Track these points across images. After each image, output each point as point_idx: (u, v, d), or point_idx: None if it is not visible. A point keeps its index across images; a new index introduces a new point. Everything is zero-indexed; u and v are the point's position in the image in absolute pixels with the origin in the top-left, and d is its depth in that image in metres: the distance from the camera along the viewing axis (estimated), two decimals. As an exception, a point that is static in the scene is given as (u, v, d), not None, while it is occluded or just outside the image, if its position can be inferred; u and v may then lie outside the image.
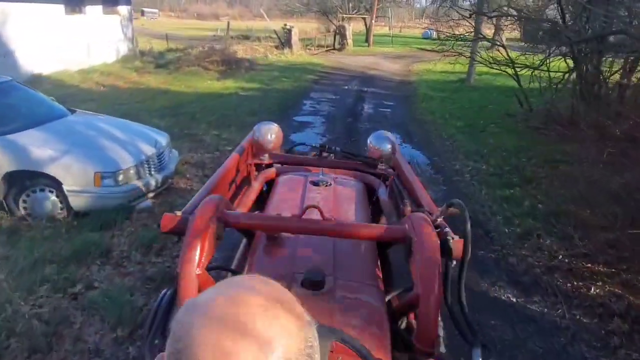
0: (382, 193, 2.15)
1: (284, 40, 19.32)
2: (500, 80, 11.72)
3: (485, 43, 11.83)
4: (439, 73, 15.30)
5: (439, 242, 1.30)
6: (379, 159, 2.29)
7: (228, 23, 33.85)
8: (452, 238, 1.35)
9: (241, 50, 18.83)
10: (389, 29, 43.57)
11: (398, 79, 14.68)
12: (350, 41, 22.76)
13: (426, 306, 1.20)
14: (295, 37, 19.04)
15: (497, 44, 8.88)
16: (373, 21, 24.67)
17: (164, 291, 1.35)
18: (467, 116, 8.91)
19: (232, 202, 1.92)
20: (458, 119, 8.63)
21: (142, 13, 64.58)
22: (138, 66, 14.62)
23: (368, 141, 2.31)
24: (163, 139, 4.97)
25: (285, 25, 19.28)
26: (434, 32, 40.58)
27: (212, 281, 1.26)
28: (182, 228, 1.34)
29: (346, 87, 12.47)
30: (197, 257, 1.23)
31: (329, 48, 22.98)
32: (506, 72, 8.80)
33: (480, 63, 9.08)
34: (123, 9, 15.12)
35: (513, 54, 9.23)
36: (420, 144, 7.25)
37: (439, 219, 1.44)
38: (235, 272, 1.60)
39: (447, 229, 1.39)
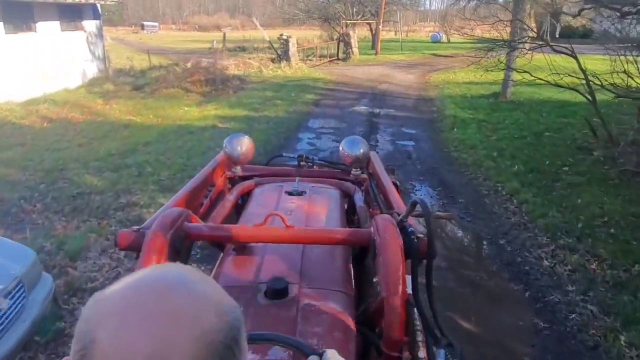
0: (358, 199, 2.08)
1: (281, 52, 17.04)
2: (546, 93, 9.27)
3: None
4: (462, 85, 12.87)
5: (401, 242, 1.23)
6: (352, 164, 2.26)
7: (224, 35, 31.95)
8: (418, 237, 1.30)
9: (233, 65, 16.62)
10: (395, 34, 41.23)
11: (415, 94, 12.26)
12: (355, 50, 20.42)
13: (390, 308, 1.14)
14: (293, 48, 16.76)
15: (564, 48, 6.38)
16: (380, 26, 22.29)
17: None
18: (522, 152, 6.46)
19: (207, 217, 1.85)
20: (512, 159, 6.19)
21: (142, 27, 63.60)
22: (108, 90, 12.44)
23: (340, 147, 2.24)
24: (17, 269, 2.61)
25: (282, 35, 16.99)
26: (444, 35, 38.63)
27: None
28: (139, 243, 1.27)
29: (354, 109, 10.08)
30: None
31: (332, 58, 20.67)
32: (577, 90, 6.32)
33: (540, 80, 6.54)
34: (89, 24, 12.96)
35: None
36: (468, 208, 4.82)
37: (405, 220, 1.35)
38: None
39: (412, 229, 1.32)
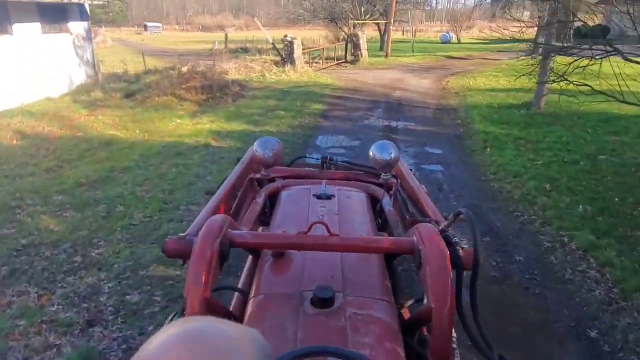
0: (387, 203, 2.03)
1: (285, 55, 15.88)
2: (587, 104, 8.02)
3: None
4: (485, 92, 11.64)
5: (448, 253, 1.21)
6: (381, 168, 2.23)
7: (226, 35, 30.86)
8: (462, 248, 1.31)
9: (233, 69, 15.49)
10: (403, 34, 39.89)
11: (433, 102, 11.05)
12: (364, 52, 19.22)
13: (439, 319, 1.14)
14: (298, 51, 15.58)
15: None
16: (391, 27, 21.06)
17: (172, 314, 1.39)
18: (580, 183, 5.26)
19: (236, 219, 1.81)
20: (571, 193, 4.99)
21: (145, 28, 62.78)
22: (96, 98, 11.33)
23: (370, 152, 2.21)
24: None
25: (286, 36, 15.82)
26: (454, 35, 37.29)
27: (219, 303, 1.28)
28: (187, 251, 1.29)
29: (367, 122, 8.90)
30: (203, 280, 1.19)
31: (339, 61, 19.48)
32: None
33: (604, 94, 5.27)
34: (76, 26, 11.84)
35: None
36: (532, 272, 3.63)
37: (447, 229, 1.36)
38: (242, 292, 1.54)
39: (456, 239, 1.33)
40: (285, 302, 1.25)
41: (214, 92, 11.50)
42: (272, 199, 2.09)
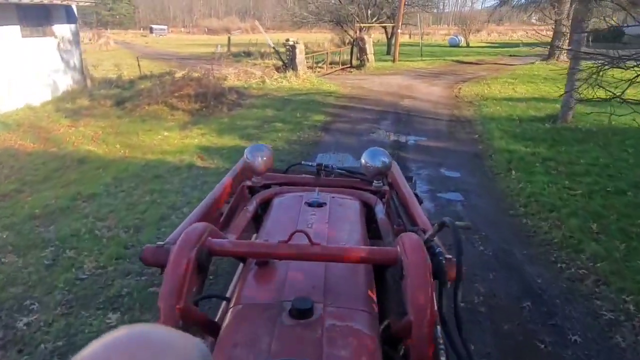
0: (379, 211, 2.01)
1: (287, 60, 15.02)
2: (620, 118, 7.05)
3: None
4: (502, 101, 10.69)
5: (430, 263, 1.21)
6: (373, 175, 2.23)
7: (229, 38, 30.11)
8: (445, 259, 1.28)
9: (232, 75, 14.66)
10: (410, 37, 38.89)
11: (446, 113, 10.12)
12: (371, 56, 18.32)
13: (419, 331, 1.13)
14: (300, 56, 14.72)
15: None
16: (399, 30, 20.14)
17: None
18: (633, 222, 4.32)
19: (226, 227, 1.86)
20: (626, 237, 4.04)
21: (151, 30, 62.44)
22: (81, 106, 10.54)
23: (362, 160, 2.20)
24: None
25: (288, 40, 14.96)
26: (462, 39, 36.29)
27: (198, 312, 1.26)
28: (164, 259, 1.26)
29: (374, 137, 7.99)
30: (177, 290, 1.18)
31: (345, 66, 18.61)
32: None
33: None
34: (62, 29, 11.05)
35: None
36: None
37: (432, 239, 1.34)
38: (228, 300, 1.47)
39: (440, 249, 1.31)
40: (263, 312, 1.23)
41: (209, 101, 10.65)
42: (265, 206, 2.06)
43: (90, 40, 36.96)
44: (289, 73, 14.33)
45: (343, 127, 8.75)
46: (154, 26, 64.74)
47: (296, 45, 14.49)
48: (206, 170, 6.00)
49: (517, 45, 35.05)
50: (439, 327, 1.20)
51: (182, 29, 77.23)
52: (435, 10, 53.60)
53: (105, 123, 9.13)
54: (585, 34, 7.78)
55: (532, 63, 18.72)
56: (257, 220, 1.99)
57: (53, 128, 8.74)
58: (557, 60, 18.46)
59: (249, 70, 15.35)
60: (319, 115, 9.51)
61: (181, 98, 10.74)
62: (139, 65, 15.60)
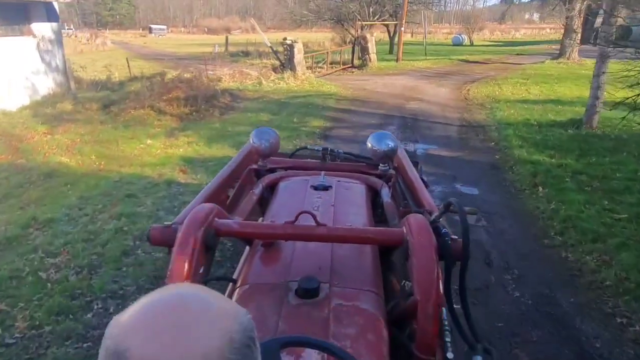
0: (385, 194, 2.02)
1: (285, 60, 14.24)
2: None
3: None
4: (516, 104, 9.89)
5: (435, 243, 1.22)
6: (378, 159, 2.24)
7: (226, 38, 29.38)
8: (450, 239, 1.28)
9: (227, 76, 13.91)
10: (412, 35, 37.98)
11: (456, 117, 9.32)
12: (373, 56, 17.51)
13: (424, 311, 1.13)
14: (299, 55, 13.93)
15: None
16: (403, 29, 19.30)
17: None
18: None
19: (233, 209, 1.85)
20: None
21: (150, 30, 61.79)
22: (63, 111, 9.80)
23: (367, 143, 2.23)
24: None
25: (285, 39, 14.18)
26: (466, 37, 35.48)
27: None
28: (172, 239, 1.28)
29: (378, 145, 7.18)
30: (185, 269, 1.18)
31: (346, 66, 17.82)
32: None
33: None
34: (43, 28, 10.28)
35: None
36: None
37: (437, 220, 1.35)
38: (234, 282, 1.45)
39: (446, 230, 1.31)
40: (269, 292, 1.24)
41: (199, 105, 9.88)
42: (271, 190, 2.05)
43: (88, 40, 36.34)
44: (287, 74, 13.54)
45: (344, 134, 7.96)
46: (153, 26, 64.12)
47: (294, 44, 13.70)
48: (186, 188, 5.22)
49: (522, 43, 34.29)
50: (444, 308, 1.18)
51: (182, 29, 76.56)
52: (436, 10, 52.81)
53: (85, 129, 8.38)
54: (614, 30, 6.98)
55: (542, 62, 17.90)
56: (263, 204, 1.99)
57: (26, 136, 7.97)
58: (567, 59, 17.65)
59: (244, 70, 14.59)
60: (318, 121, 8.72)
61: (170, 101, 9.97)
62: (128, 65, 14.83)
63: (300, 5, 27.21)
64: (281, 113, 9.40)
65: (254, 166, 2.24)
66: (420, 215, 1.36)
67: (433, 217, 1.36)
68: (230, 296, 1.32)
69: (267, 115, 9.23)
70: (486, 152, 6.83)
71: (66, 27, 53.93)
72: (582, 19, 17.43)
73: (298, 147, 2.64)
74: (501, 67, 17.62)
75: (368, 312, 1.19)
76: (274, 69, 14.50)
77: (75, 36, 40.92)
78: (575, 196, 4.84)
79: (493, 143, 7.25)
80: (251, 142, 2.21)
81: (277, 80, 13.22)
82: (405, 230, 1.27)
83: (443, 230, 1.29)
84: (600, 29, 7.20)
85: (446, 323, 1.18)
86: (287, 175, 2.16)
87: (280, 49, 14.76)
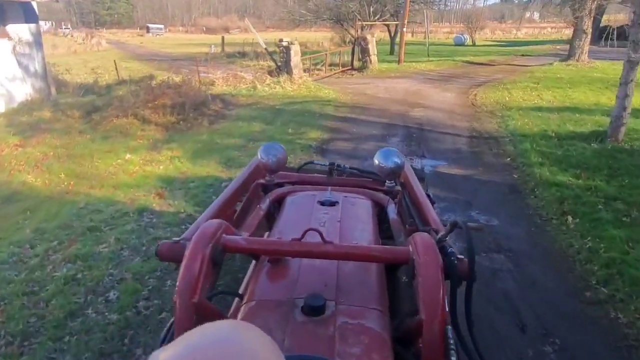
0: (391, 211, 2.02)
1: (281, 63, 13.52)
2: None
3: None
4: (530, 112, 9.17)
5: (442, 263, 1.21)
6: (385, 175, 2.22)
7: (222, 38, 28.64)
8: (457, 259, 1.28)
9: (221, 79, 13.18)
10: (412, 35, 37.22)
11: (465, 126, 8.59)
12: (374, 57, 16.79)
13: (430, 330, 1.14)
14: (295, 58, 13.20)
15: None
16: (405, 29, 18.56)
17: (169, 321, 1.32)
18: None
19: (240, 224, 1.87)
20: None
21: (148, 29, 60.97)
22: (40, 119, 9.12)
23: (374, 160, 2.21)
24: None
25: (281, 40, 13.45)
26: (468, 37, 34.72)
27: (213, 308, 1.27)
28: (180, 255, 1.28)
29: (381, 161, 6.46)
30: (193, 285, 1.19)
31: (345, 68, 17.10)
32: None
33: None
34: (20, 29, 9.55)
35: None
36: None
37: (444, 239, 1.34)
38: (241, 297, 1.46)
39: (452, 249, 1.31)
40: (275, 309, 1.24)
41: (187, 113, 9.17)
42: (278, 205, 2.08)
43: (83, 40, 35.59)
44: (283, 77, 12.81)
45: (343, 147, 7.23)
46: (150, 25, 63.34)
47: (291, 46, 12.96)
48: (160, 219, 4.49)
49: (525, 43, 33.54)
50: (450, 327, 1.17)
51: (180, 28, 75.78)
52: (437, 9, 51.95)
53: (61, 141, 7.67)
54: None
55: (551, 64, 17.17)
56: (270, 219, 1.99)
57: (-6, 148, 7.27)
58: (577, 60, 16.91)
59: (239, 74, 13.86)
60: (315, 132, 7.98)
61: (156, 109, 9.26)
62: (116, 68, 14.10)
63: (299, 5, 26.47)
64: (275, 122, 8.68)
65: (261, 181, 2.27)
66: (427, 234, 1.36)
67: (439, 236, 1.36)
68: (236, 312, 1.33)
69: (260, 125, 8.51)
70: (502, 171, 6.11)
71: (63, 27, 53.28)
72: (592, 18, 16.71)
73: (304, 161, 2.78)
74: (508, 70, 16.90)
75: (373, 330, 1.20)
76: (270, 72, 13.78)
77: (72, 36, 40.17)
78: (614, 231, 4.11)
79: (509, 159, 6.52)
80: (259, 157, 2.23)
81: (272, 85, 12.49)
82: (411, 249, 1.27)
83: (449, 250, 1.30)
84: (628, 31, 6.44)
85: (452, 342, 1.15)
86: (294, 190, 2.18)
87: (276, 50, 14.04)
